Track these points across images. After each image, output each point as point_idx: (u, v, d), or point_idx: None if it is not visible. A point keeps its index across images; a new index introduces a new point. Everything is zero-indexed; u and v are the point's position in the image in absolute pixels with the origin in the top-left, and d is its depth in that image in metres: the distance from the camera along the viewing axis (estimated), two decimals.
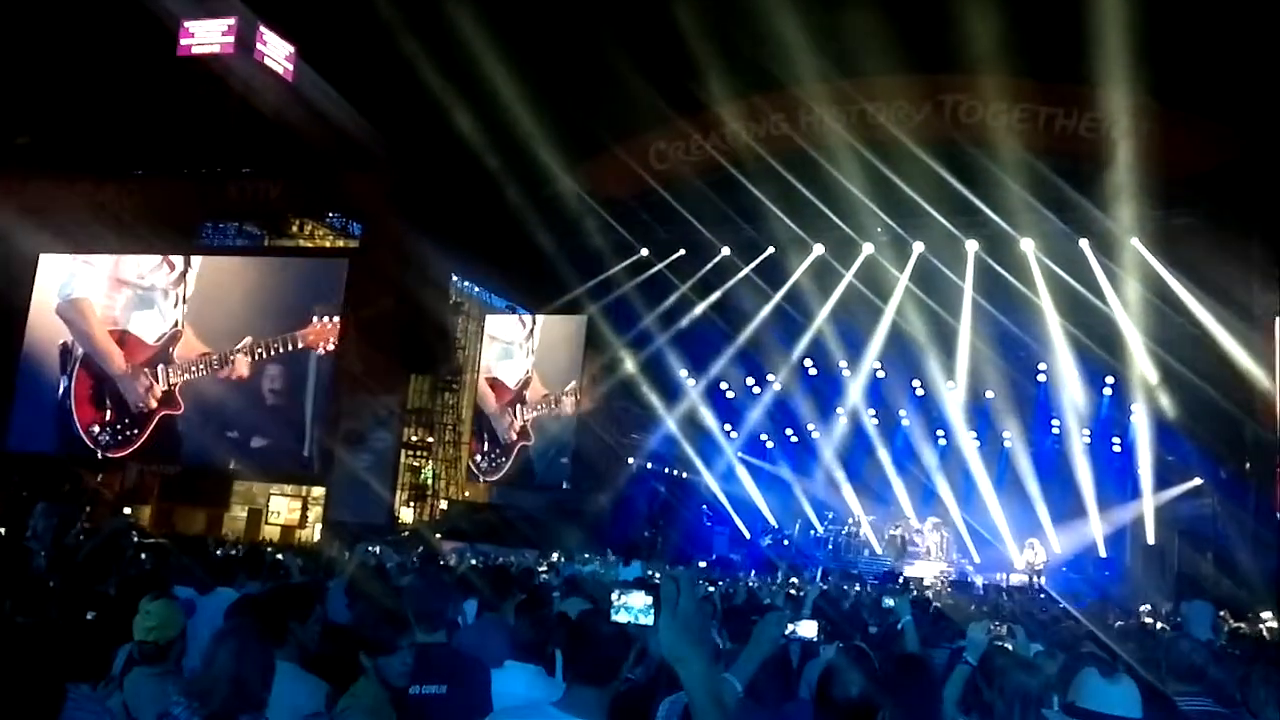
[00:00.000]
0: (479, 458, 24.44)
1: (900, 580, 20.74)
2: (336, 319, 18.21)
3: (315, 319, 18.86)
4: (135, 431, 16.79)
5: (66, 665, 3.34)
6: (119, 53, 24.57)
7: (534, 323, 25.27)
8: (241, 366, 19.01)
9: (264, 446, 21.29)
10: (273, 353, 18.60)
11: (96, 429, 16.96)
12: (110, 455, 16.84)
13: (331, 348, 18.30)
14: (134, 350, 16.88)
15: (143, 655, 4.03)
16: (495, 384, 24.75)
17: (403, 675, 3.77)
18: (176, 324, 16.85)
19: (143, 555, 8.01)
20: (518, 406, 24.59)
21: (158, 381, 17.34)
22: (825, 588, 12.96)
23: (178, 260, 17.98)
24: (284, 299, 19.64)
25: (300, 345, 18.56)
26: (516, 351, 25.21)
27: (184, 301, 17.44)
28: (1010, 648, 4.90)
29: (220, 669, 3.35)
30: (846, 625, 6.72)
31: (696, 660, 2.28)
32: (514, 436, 24.45)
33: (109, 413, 16.65)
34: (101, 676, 3.95)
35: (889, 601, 8.05)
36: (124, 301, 16.78)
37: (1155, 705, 3.12)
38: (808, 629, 4.81)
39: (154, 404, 17.29)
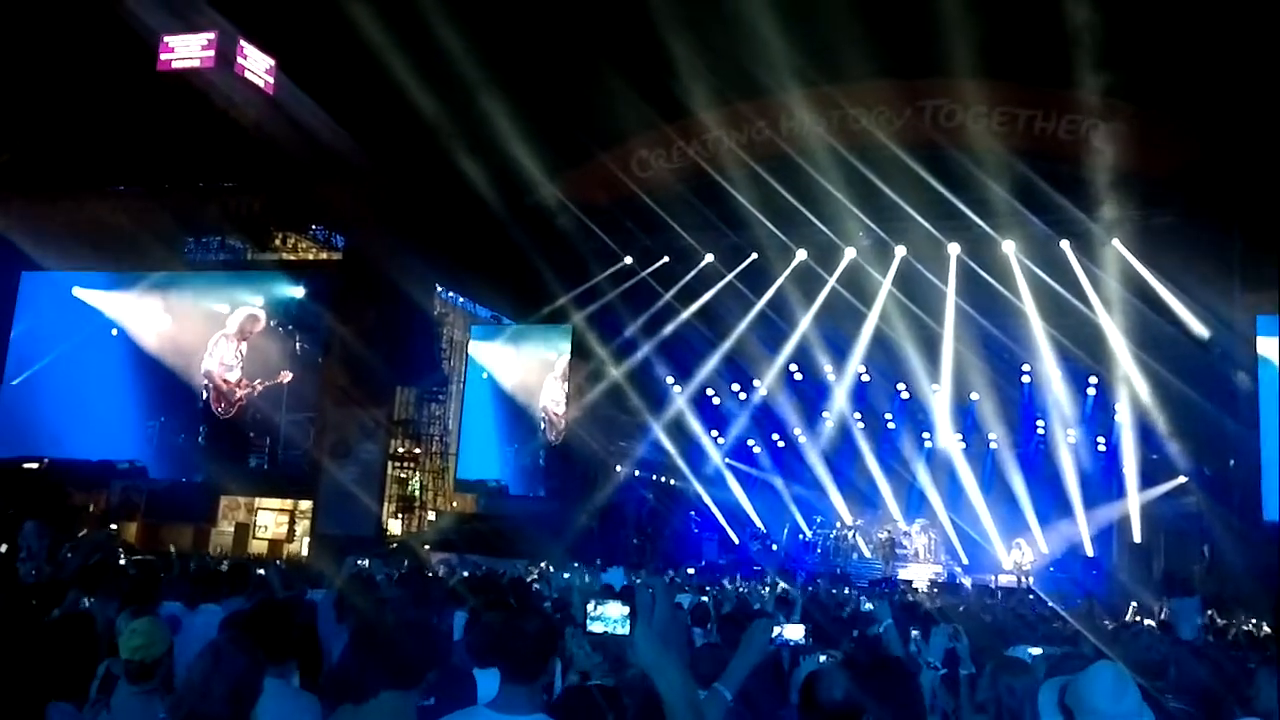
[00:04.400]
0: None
1: (884, 583, 20.74)
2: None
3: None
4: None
5: (51, 684, 3.31)
6: (98, 69, 24.38)
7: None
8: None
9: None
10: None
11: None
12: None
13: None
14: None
15: (129, 674, 3.96)
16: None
17: None
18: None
19: (130, 570, 7.94)
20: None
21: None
22: (814, 590, 12.92)
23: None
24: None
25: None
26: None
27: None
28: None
29: (213, 687, 3.29)
30: (834, 629, 6.69)
31: (672, 668, 2.28)
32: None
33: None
34: (82, 694, 3.90)
35: (868, 605, 8.04)
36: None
37: None
38: (794, 632, 4.81)
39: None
